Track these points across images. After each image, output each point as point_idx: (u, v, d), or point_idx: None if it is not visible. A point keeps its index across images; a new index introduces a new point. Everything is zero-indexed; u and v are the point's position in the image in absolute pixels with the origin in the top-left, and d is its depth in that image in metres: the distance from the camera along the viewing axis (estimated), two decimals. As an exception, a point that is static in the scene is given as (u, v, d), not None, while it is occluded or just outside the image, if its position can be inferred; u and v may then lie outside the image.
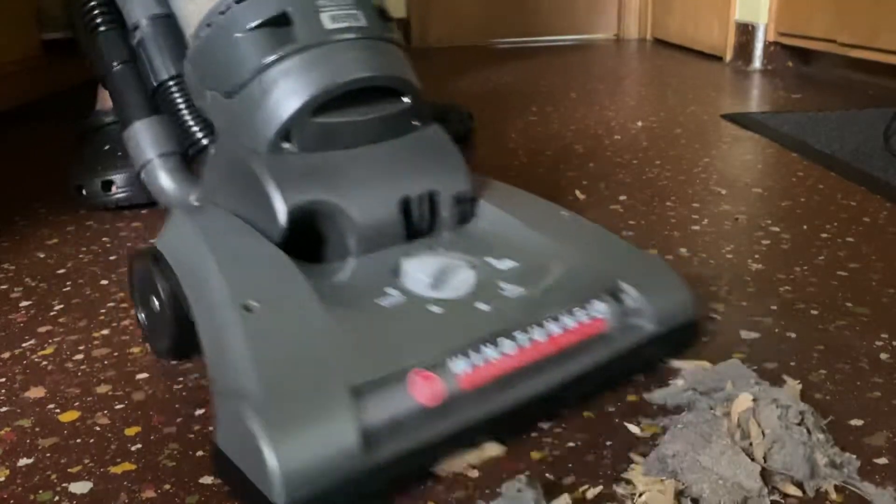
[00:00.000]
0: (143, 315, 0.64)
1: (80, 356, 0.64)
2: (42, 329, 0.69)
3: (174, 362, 0.62)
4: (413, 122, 0.65)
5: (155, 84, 0.70)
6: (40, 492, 0.48)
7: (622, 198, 1.02)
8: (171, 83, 0.70)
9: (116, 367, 0.62)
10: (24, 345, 0.66)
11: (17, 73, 1.64)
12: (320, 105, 0.58)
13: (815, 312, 0.68)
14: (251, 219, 0.57)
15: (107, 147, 1.01)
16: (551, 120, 1.51)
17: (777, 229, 0.89)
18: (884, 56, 1.68)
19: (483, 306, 0.53)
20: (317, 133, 0.59)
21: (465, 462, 0.48)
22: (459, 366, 0.48)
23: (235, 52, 0.60)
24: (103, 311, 0.72)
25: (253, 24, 0.59)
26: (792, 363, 0.60)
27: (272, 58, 0.58)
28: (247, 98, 0.59)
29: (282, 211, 0.55)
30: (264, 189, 0.55)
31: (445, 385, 0.47)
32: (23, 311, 0.73)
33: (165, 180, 0.70)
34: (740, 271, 0.77)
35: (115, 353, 0.64)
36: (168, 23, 0.69)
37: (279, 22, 0.59)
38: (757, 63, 2.13)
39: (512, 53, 2.69)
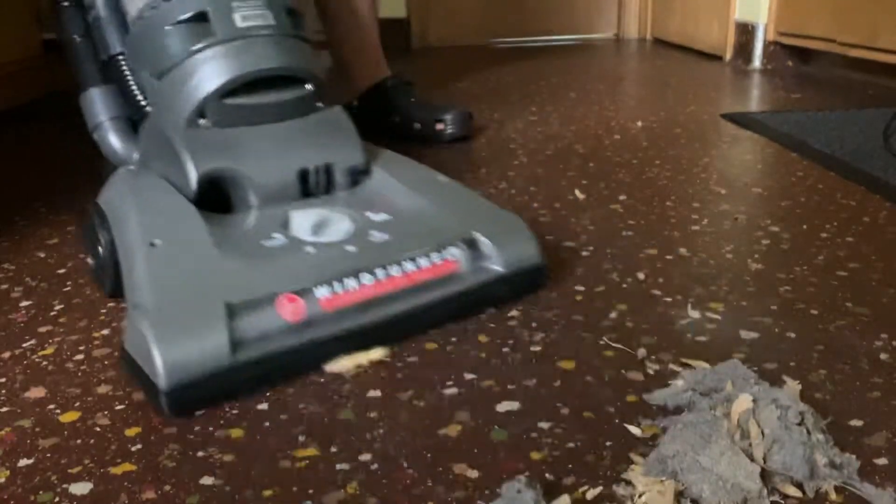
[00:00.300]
0: (91, 261, 0.75)
1: (80, 356, 0.64)
2: (42, 329, 0.69)
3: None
4: (317, 105, 0.76)
5: (106, 57, 0.79)
6: (41, 492, 0.48)
7: (622, 197, 1.02)
8: (119, 57, 0.78)
9: (117, 368, 0.62)
10: (24, 345, 0.67)
11: (18, 72, 1.64)
12: (231, 89, 0.70)
13: (814, 312, 0.68)
14: (173, 180, 0.70)
15: None
16: (551, 120, 1.51)
17: (777, 229, 0.89)
18: (883, 56, 1.68)
19: (351, 248, 0.66)
20: (228, 112, 0.71)
21: (354, 361, 0.60)
22: (322, 292, 0.61)
23: (163, 42, 0.72)
24: (104, 310, 0.72)
25: (177, 20, 0.71)
26: (792, 363, 0.60)
27: (192, 49, 0.70)
28: (171, 81, 0.71)
29: (193, 176, 0.68)
30: (180, 158, 0.68)
31: (308, 306, 0.60)
32: (23, 311, 0.73)
33: (114, 140, 0.79)
34: (740, 271, 0.77)
35: (116, 353, 0.64)
36: (119, 4, 0.78)
37: (199, 18, 0.71)
38: (757, 62, 2.13)
39: (512, 53, 2.69)
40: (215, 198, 0.69)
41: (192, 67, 0.70)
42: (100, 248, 0.70)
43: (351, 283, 0.62)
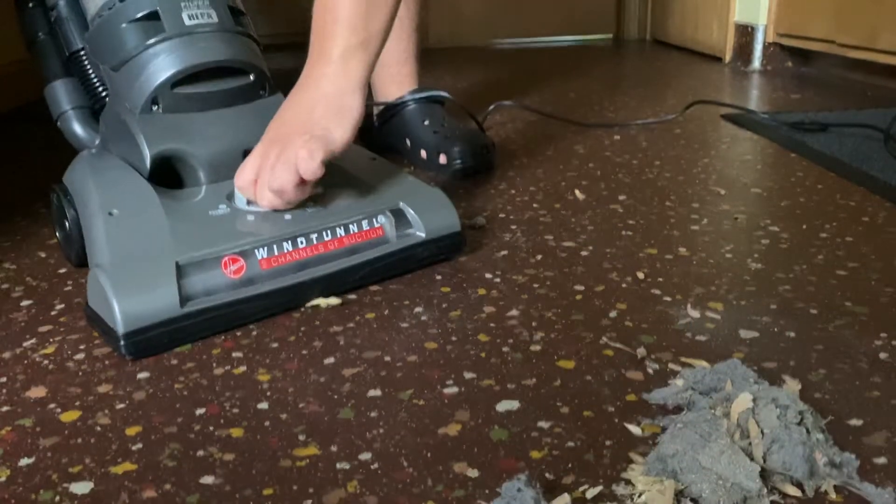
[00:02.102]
0: (59, 234, 0.83)
1: (81, 355, 0.64)
2: (43, 328, 0.69)
3: (175, 362, 0.63)
4: (260, 93, 0.84)
5: (68, 53, 0.86)
6: (41, 491, 0.48)
7: (622, 198, 1.02)
8: (81, 53, 0.85)
9: (117, 367, 0.62)
10: (25, 344, 0.67)
11: (18, 73, 1.64)
12: (180, 79, 0.78)
13: (814, 312, 0.68)
14: (130, 160, 0.78)
15: None
16: (551, 120, 1.51)
17: (776, 229, 0.89)
18: (883, 57, 1.68)
19: (288, 216, 0.74)
20: (178, 100, 0.78)
21: (314, 304, 0.71)
22: (261, 253, 0.70)
23: (119, 38, 0.79)
24: (104, 310, 0.72)
25: (132, 18, 0.78)
26: (791, 363, 0.60)
27: (145, 44, 0.78)
28: (127, 72, 0.78)
29: (147, 155, 0.75)
30: (136, 140, 0.76)
31: (248, 265, 0.69)
32: (24, 311, 0.73)
33: (77, 127, 0.86)
34: (740, 271, 0.77)
35: (116, 353, 0.64)
36: (79, 4, 0.85)
37: (151, 17, 0.78)
38: (756, 64, 2.13)
39: (512, 54, 2.69)
40: (169, 177, 0.78)
41: (145, 60, 0.78)
42: (66, 223, 0.78)
43: (286, 245, 0.71)
